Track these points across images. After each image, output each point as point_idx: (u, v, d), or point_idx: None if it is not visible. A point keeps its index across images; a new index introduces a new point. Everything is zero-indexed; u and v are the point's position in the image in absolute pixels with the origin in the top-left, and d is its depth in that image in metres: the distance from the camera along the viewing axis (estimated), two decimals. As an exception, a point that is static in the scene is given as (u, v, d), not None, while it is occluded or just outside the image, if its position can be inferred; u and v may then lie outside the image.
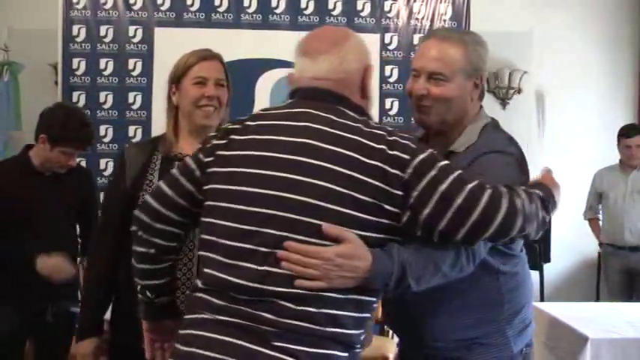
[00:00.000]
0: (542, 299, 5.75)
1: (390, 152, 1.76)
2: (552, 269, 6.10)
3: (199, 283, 1.83)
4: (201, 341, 1.73)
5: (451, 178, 1.77)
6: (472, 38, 2.24)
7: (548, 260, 5.96)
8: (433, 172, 1.77)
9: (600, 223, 5.72)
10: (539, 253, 5.74)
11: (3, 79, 5.48)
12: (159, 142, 2.50)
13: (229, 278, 1.74)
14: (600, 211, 5.72)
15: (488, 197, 1.78)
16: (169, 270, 2.07)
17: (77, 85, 5.19)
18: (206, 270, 1.81)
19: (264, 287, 1.71)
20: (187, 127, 2.48)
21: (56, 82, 5.30)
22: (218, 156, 1.85)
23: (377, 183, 1.73)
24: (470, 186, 1.78)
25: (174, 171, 1.98)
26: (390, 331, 4.59)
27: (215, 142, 1.89)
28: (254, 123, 1.88)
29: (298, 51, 2.08)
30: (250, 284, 1.72)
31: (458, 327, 2.17)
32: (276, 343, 1.68)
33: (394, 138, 1.80)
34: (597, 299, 5.92)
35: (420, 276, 1.81)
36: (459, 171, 1.82)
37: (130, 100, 5.26)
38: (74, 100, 5.17)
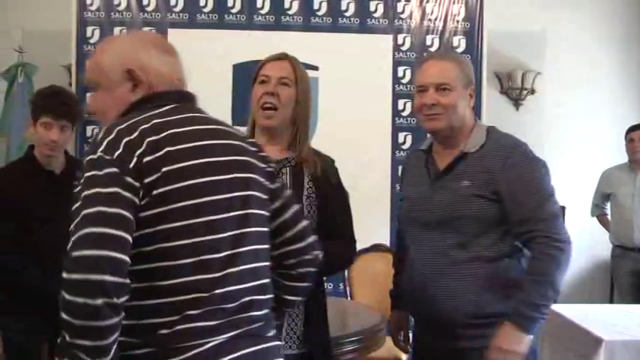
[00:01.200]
0: (555, 301, 5.72)
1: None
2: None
3: (186, 312, 1.64)
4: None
5: None
6: (458, 56, 2.79)
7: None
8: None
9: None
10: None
11: (18, 80, 5.51)
12: None
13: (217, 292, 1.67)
14: (607, 210, 5.67)
15: None
16: None
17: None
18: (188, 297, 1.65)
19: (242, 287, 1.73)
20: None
21: (70, 84, 5.33)
22: (164, 172, 1.63)
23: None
24: None
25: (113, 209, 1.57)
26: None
27: (149, 158, 1.63)
28: (168, 132, 1.68)
29: (160, 48, 1.92)
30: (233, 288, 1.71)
31: (487, 301, 2.45)
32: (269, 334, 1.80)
33: None
34: (611, 301, 5.88)
35: (544, 294, 2.35)
36: None
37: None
38: (88, 101, 5.18)
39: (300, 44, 5.33)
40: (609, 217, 5.65)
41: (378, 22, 5.40)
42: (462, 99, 2.56)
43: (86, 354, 1.50)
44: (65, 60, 5.52)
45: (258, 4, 5.35)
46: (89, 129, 5.23)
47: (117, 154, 1.60)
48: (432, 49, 5.39)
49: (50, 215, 3.22)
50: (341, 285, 4.87)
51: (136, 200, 1.59)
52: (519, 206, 2.43)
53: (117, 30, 5.27)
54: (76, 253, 1.50)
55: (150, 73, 1.82)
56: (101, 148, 1.60)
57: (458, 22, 5.42)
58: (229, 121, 5.19)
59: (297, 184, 2.45)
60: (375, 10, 5.40)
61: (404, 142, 5.40)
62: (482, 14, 5.40)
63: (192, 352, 1.62)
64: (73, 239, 1.52)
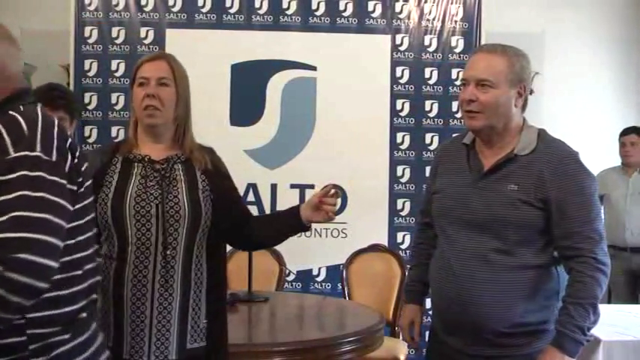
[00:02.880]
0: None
1: None
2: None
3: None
4: None
5: None
6: (514, 51, 2.45)
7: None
8: None
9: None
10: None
11: (15, 80, 5.50)
12: (118, 144, 2.54)
13: None
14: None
15: None
16: None
17: (89, 87, 5.22)
18: None
19: None
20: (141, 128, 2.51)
21: (68, 84, 5.31)
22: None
23: None
24: None
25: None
26: (401, 333, 4.58)
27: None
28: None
29: (5, 37, 1.78)
30: None
31: (525, 310, 2.38)
32: None
33: None
34: (609, 301, 5.89)
35: (588, 317, 2.31)
36: None
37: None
38: (86, 101, 5.19)
39: (298, 44, 5.36)
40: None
41: (376, 22, 5.40)
42: (505, 97, 2.39)
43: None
44: (63, 60, 5.51)
45: (257, 4, 5.35)
46: (87, 129, 5.23)
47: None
48: (430, 50, 5.40)
49: None
50: (339, 285, 4.86)
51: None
52: (567, 219, 2.34)
53: (115, 30, 5.27)
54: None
55: None
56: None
57: (456, 22, 5.42)
58: (227, 121, 5.26)
59: (191, 180, 2.45)
60: (373, 10, 5.40)
61: (402, 142, 5.40)
62: (480, 14, 5.41)
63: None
64: None
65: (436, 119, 5.42)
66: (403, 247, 5.32)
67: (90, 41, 5.26)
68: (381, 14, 5.40)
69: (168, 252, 2.36)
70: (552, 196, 2.34)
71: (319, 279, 5.35)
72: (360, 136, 5.32)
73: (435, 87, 5.42)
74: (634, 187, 5.50)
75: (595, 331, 3.33)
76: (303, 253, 5.16)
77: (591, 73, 6.34)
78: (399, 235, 5.36)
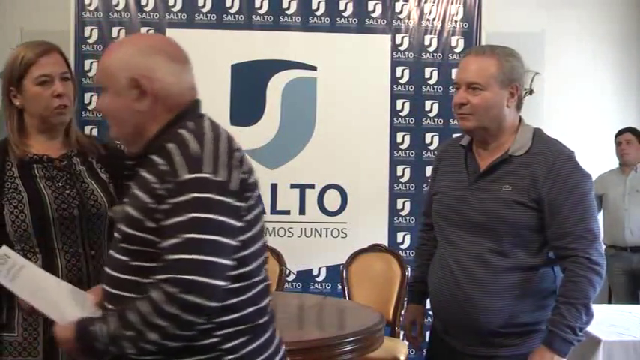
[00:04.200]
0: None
1: None
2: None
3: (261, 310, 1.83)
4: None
5: None
6: (503, 51, 2.49)
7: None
8: None
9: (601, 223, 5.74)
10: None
11: (15, 80, 5.51)
12: (5, 147, 2.33)
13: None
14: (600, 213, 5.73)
15: None
16: None
17: (89, 87, 5.21)
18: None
19: None
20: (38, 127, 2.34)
21: (68, 84, 5.32)
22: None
23: None
24: None
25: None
26: (402, 333, 4.59)
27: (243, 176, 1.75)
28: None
29: (169, 55, 1.82)
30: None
31: (521, 310, 2.40)
32: None
33: None
34: (609, 301, 5.89)
35: (580, 317, 2.31)
36: None
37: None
38: (86, 101, 5.19)
39: (298, 44, 5.36)
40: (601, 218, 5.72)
41: (377, 22, 5.40)
42: (496, 99, 2.41)
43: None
44: (63, 60, 5.51)
45: (257, 4, 5.35)
46: (87, 129, 5.22)
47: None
48: (430, 50, 5.40)
49: None
50: (339, 285, 4.86)
51: None
52: (560, 218, 2.34)
53: (115, 30, 5.27)
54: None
55: (155, 83, 1.77)
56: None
57: (456, 22, 5.42)
58: (227, 121, 5.26)
59: (92, 172, 2.36)
60: (374, 10, 5.39)
61: (402, 142, 5.40)
62: (480, 14, 5.40)
63: None
64: None
65: (436, 119, 5.41)
66: (403, 247, 5.32)
67: (90, 41, 5.27)
68: (381, 14, 5.40)
69: (93, 252, 2.30)
70: (545, 195, 2.35)
71: (319, 279, 5.35)
72: (360, 136, 5.32)
73: (435, 87, 5.42)
74: (631, 185, 5.54)
75: (595, 331, 3.35)
76: (303, 253, 5.16)
77: (591, 73, 6.33)
78: (399, 235, 5.36)
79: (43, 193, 2.26)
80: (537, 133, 2.50)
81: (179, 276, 1.60)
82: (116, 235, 1.78)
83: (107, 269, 1.79)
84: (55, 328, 1.76)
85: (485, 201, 2.42)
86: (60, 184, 2.30)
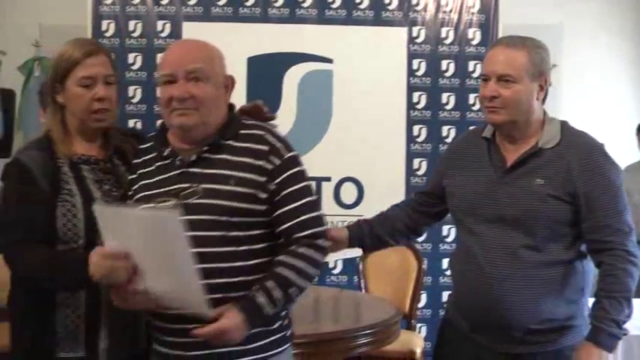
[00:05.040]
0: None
1: None
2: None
3: None
4: None
5: None
6: (533, 43, 2.42)
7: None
8: None
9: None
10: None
11: (34, 74, 5.54)
12: (49, 145, 2.26)
13: None
14: None
15: None
16: None
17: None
18: None
19: None
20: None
21: (86, 77, 5.35)
22: None
23: None
24: None
25: None
26: (418, 326, 4.59)
27: None
28: None
29: None
30: None
31: (554, 306, 2.36)
32: None
33: None
34: (637, 296, 5.86)
35: (622, 311, 2.29)
36: None
37: (158, 94, 5.27)
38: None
39: (314, 37, 5.35)
40: None
41: (393, 14, 5.38)
42: (527, 91, 2.35)
43: None
44: (81, 54, 5.53)
45: (273, -3, 5.36)
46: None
47: None
48: (447, 42, 5.38)
49: None
50: (355, 278, 4.87)
51: None
52: (596, 211, 2.31)
53: (132, 24, 5.29)
54: None
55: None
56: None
57: (473, 14, 5.39)
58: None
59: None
60: (390, 3, 5.37)
61: (418, 135, 5.38)
62: (497, 6, 5.36)
63: None
64: None
65: (453, 112, 5.39)
66: (420, 239, 5.30)
67: (107, 35, 5.28)
68: (397, 6, 5.37)
69: None
70: (580, 189, 2.31)
71: (335, 272, 5.35)
72: (376, 128, 5.30)
73: (452, 79, 5.40)
74: None
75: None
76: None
77: (609, 66, 6.29)
78: (416, 228, 5.34)
79: (94, 196, 2.22)
80: (565, 126, 2.45)
81: (316, 230, 2.08)
82: (205, 217, 2.00)
83: (198, 249, 1.88)
84: (220, 326, 1.92)
85: (517, 195, 2.36)
86: (107, 187, 2.26)
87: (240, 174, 2.05)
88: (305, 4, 5.35)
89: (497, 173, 2.43)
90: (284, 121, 5.34)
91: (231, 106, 2.24)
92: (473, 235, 2.45)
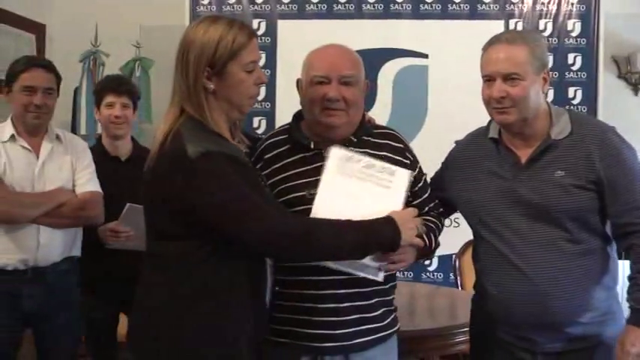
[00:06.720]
0: None
1: None
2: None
3: None
4: None
5: None
6: (530, 35, 2.44)
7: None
8: None
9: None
10: None
11: (135, 74, 5.70)
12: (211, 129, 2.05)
13: None
14: None
15: None
16: None
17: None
18: None
19: None
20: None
21: (184, 76, 5.47)
22: None
23: None
24: None
25: None
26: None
27: None
28: None
29: None
30: None
31: (594, 296, 2.34)
32: None
33: None
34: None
35: None
36: None
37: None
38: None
39: (409, 32, 5.32)
40: None
41: (489, 7, 5.30)
42: (534, 87, 2.35)
43: None
44: (179, 54, 5.66)
45: (367, -7, 5.36)
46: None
47: None
48: (545, 34, 5.24)
49: (112, 199, 3.28)
50: (451, 275, 4.82)
51: None
52: (622, 195, 2.29)
53: (228, 23, 5.39)
54: None
55: None
56: None
57: (572, 4, 5.24)
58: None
59: None
60: (486, -5, 5.29)
61: (516, 130, 5.28)
62: (598, -5, 5.21)
63: None
64: None
65: (552, 106, 5.26)
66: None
67: (205, 35, 5.39)
68: (493, -1, 5.29)
69: None
70: (603, 175, 2.29)
71: (431, 268, 5.31)
72: (472, 124, 5.13)
73: (551, 73, 5.25)
74: None
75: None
76: (414, 242, 5.13)
77: None
78: (513, 225, 5.25)
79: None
80: (573, 114, 2.44)
81: None
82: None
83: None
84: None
85: (540, 189, 2.33)
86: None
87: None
88: (399, 0, 5.33)
89: (512, 171, 2.40)
90: (379, 117, 5.28)
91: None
92: (502, 241, 2.41)
